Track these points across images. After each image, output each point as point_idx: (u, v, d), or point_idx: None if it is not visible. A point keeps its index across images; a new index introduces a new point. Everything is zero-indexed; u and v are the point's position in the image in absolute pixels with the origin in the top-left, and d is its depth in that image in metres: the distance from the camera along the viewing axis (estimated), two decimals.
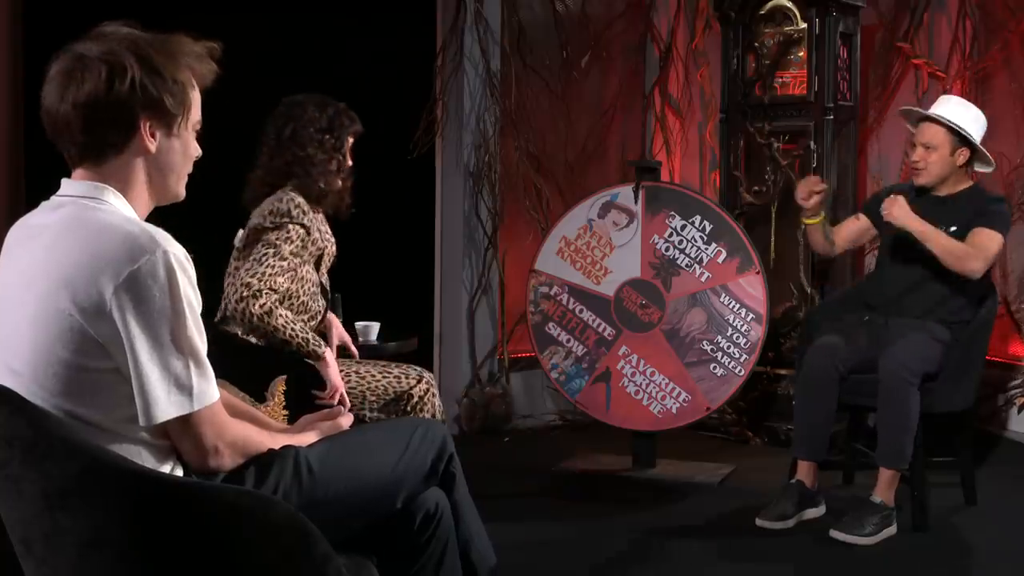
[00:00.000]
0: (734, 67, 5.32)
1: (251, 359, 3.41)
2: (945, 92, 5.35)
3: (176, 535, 1.97)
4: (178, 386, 1.95)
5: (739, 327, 4.56)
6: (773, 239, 5.24)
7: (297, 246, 3.52)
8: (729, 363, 4.57)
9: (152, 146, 2.04)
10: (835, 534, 3.92)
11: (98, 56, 1.97)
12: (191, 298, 1.96)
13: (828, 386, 4.07)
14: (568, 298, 4.71)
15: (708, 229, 4.60)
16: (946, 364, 4.04)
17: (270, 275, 3.43)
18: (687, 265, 4.62)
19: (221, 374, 2.05)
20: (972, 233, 4.06)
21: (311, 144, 3.58)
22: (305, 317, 3.61)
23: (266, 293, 3.40)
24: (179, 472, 2.06)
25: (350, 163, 3.67)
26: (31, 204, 2.13)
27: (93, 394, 1.96)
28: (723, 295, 4.58)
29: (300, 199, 3.54)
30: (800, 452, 4.15)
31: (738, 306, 4.57)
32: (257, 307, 3.37)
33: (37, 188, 2.26)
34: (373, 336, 4.34)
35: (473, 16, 5.27)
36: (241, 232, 3.64)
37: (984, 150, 4.16)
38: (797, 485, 4.09)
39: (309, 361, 3.46)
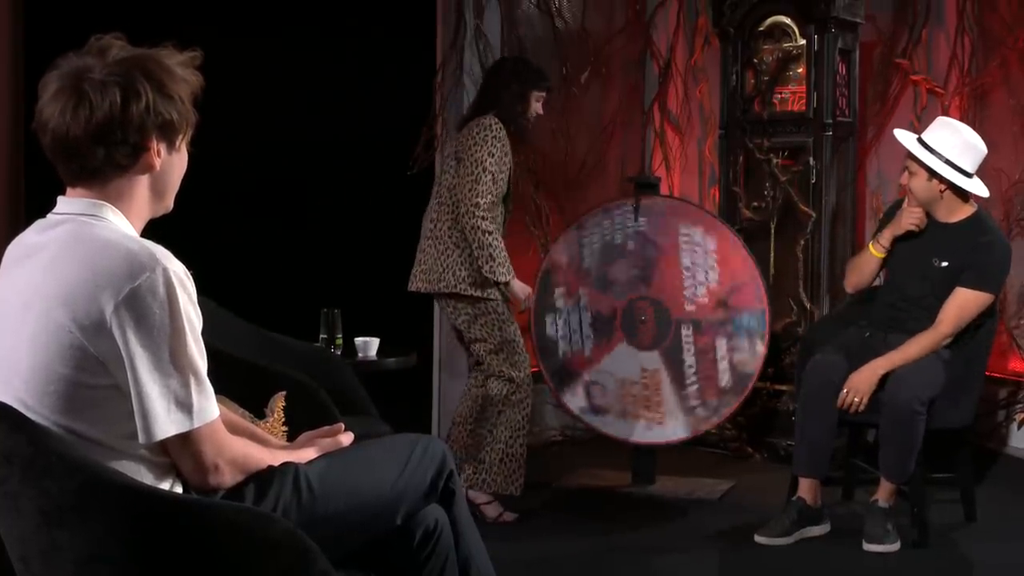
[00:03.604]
0: (733, 83, 5.34)
1: (250, 375, 3.40)
2: (944, 108, 5.38)
3: (175, 552, 1.97)
4: (178, 403, 1.95)
5: (613, 230, 4.64)
6: (772, 254, 5.24)
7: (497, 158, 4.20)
8: (635, 231, 4.63)
9: (157, 164, 2.04)
10: (870, 547, 3.95)
11: (108, 77, 1.96)
12: (191, 315, 1.96)
13: (828, 403, 4.06)
14: (691, 387, 4.63)
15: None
16: (946, 381, 4.03)
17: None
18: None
19: (220, 390, 2.05)
20: (954, 293, 4.03)
21: (503, 88, 4.31)
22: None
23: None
24: (179, 489, 2.06)
25: (533, 111, 4.37)
26: (30, 218, 2.13)
27: (93, 410, 1.95)
28: (587, 245, 4.67)
29: (498, 120, 4.25)
30: (801, 469, 4.14)
31: (597, 232, 4.66)
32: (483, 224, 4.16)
33: (36, 201, 2.26)
34: (372, 352, 4.34)
35: (473, 32, 5.28)
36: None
37: (963, 182, 4.03)
38: (797, 502, 4.09)
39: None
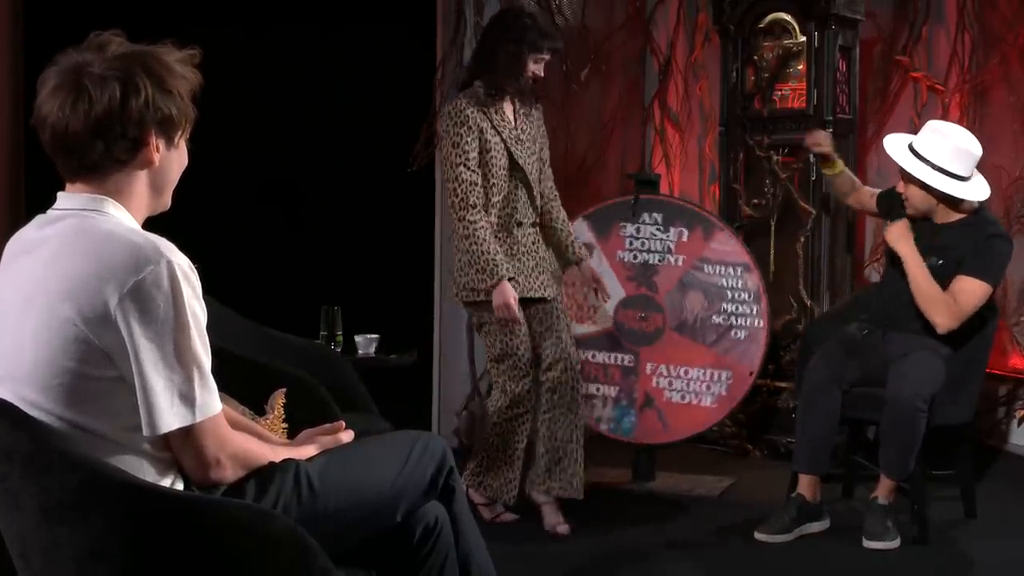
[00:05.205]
0: (733, 80, 5.33)
1: (251, 371, 3.40)
2: (944, 105, 5.38)
3: (175, 549, 1.97)
4: (181, 397, 1.95)
5: (736, 285, 4.62)
6: (772, 252, 5.24)
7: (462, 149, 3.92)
8: (747, 322, 4.62)
9: (156, 159, 2.04)
10: (870, 544, 3.96)
11: (107, 72, 1.97)
12: (196, 309, 1.97)
13: (830, 399, 4.07)
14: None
15: (661, 219, 4.68)
16: (947, 378, 4.03)
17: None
18: (660, 260, 4.68)
19: (221, 387, 2.05)
20: (956, 279, 4.00)
21: (499, 47, 3.98)
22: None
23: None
24: (180, 485, 2.06)
25: (530, 72, 3.99)
26: (31, 214, 2.13)
27: (98, 403, 1.96)
28: (705, 266, 4.64)
29: (462, 101, 3.98)
30: (801, 466, 4.15)
31: (724, 268, 4.63)
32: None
33: (36, 197, 2.26)
34: (372, 349, 4.35)
35: (473, 29, 5.28)
36: None
37: (958, 189, 4.00)
38: (797, 499, 4.09)
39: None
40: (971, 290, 3.99)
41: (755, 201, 5.28)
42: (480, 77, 4.02)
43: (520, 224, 4.06)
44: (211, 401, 2.00)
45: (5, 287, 2.04)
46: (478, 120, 3.95)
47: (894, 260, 4.22)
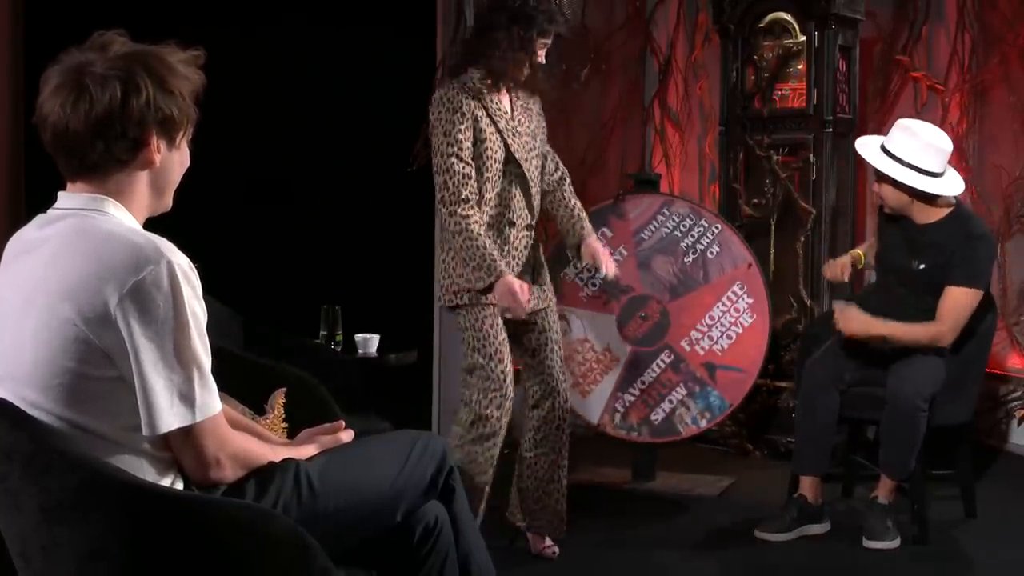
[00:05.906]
0: (733, 80, 5.33)
1: (251, 371, 3.40)
2: (944, 105, 5.37)
3: (175, 549, 1.97)
4: (181, 397, 1.96)
5: (673, 223, 4.68)
6: (773, 252, 5.24)
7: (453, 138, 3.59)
8: (709, 237, 4.67)
9: (157, 159, 2.04)
10: (870, 544, 3.96)
11: (108, 72, 1.97)
12: (195, 309, 1.97)
13: (828, 400, 4.07)
14: (628, 394, 4.68)
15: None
16: (947, 378, 4.03)
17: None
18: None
19: (221, 387, 2.05)
20: (945, 292, 3.98)
21: (504, 30, 3.61)
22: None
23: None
24: (179, 485, 2.06)
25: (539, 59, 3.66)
26: (31, 213, 2.13)
27: (98, 403, 1.96)
28: (643, 234, 4.69)
29: (455, 87, 3.65)
30: (801, 467, 4.15)
31: (653, 222, 4.69)
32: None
33: (37, 196, 2.26)
34: (373, 349, 4.35)
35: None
36: None
37: (929, 184, 3.98)
38: (798, 500, 4.09)
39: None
40: (962, 301, 3.98)
41: (755, 201, 5.28)
42: (477, 63, 3.65)
43: (512, 224, 3.70)
44: (211, 401, 2.00)
45: (5, 287, 2.04)
46: (473, 108, 3.60)
47: (886, 266, 4.22)
